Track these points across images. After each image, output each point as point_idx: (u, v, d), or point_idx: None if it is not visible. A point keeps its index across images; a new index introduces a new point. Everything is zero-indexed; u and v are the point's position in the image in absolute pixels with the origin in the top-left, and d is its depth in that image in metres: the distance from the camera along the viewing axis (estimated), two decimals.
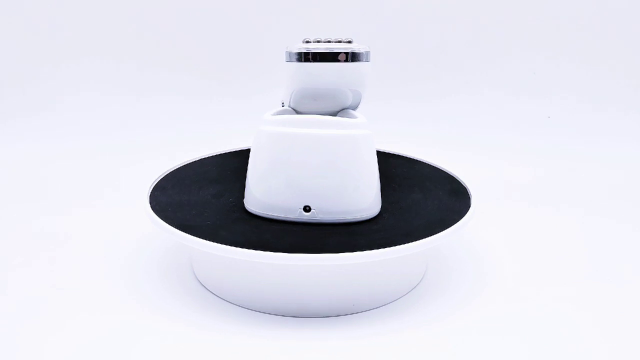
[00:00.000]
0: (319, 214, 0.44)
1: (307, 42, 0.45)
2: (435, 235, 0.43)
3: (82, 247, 0.54)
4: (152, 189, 0.50)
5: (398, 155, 0.59)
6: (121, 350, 0.40)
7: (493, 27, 0.92)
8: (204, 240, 0.41)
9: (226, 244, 0.40)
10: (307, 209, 0.44)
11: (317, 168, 0.43)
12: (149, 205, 0.46)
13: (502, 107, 0.89)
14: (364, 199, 0.44)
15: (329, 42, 0.45)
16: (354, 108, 0.49)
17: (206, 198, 0.49)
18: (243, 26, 0.91)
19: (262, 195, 0.45)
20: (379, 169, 0.46)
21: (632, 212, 0.64)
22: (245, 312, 0.44)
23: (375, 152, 0.45)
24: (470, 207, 0.47)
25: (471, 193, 0.50)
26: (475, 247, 0.55)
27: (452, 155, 0.58)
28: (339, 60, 0.44)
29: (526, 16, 0.91)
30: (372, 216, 0.45)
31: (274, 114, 0.46)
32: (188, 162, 0.56)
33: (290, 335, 0.42)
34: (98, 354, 0.40)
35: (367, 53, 0.45)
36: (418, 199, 0.49)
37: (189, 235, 0.42)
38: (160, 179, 0.52)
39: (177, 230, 0.42)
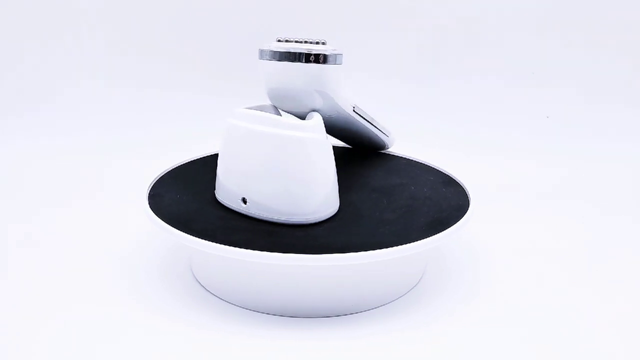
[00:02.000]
0: (251, 208, 0.45)
1: (279, 40, 0.46)
2: (435, 235, 0.43)
3: (79, 245, 0.54)
4: (151, 187, 0.50)
5: (394, 155, 0.59)
6: (121, 350, 0.40)
7: (492, 27, 0.92)
8: (203, 240, 0.41)
9: (225, 244, 0.40)
10: (244, 200, 0.45)
11: (251, 163, 0.44)
12: (148, 204, 0.46)
13: (500, 107, 0.89)
14: (294, 201, 0.43)
15: (298, 42, 0.45)
16: (329, 111, 0.47)
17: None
18: (246, 24, 0.91)
19: (218, 182, 0.47)
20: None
21: (632, 211, 0.64)
22: (245, 312, 0.44)
23: (323, 157, 0.44)
24: (469, 206, 0.48)
25: (469, 192, 0.50)
26: (474, 247, 0.55)
27: (452, 156, 0.58)
28: (300, 61, 0.44)
29: (526, 15, 0.91)
30: (307, 222, 0.44)
31: (247, 107, 0.46)
32: (189, 160, 0.56)
33: (289, 335, 0.42)
34: (97, 354, 0.40)
35: (335, 56, 0.44)
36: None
37: (188, 235, 0.42)
38: (160, 177, 0.52)
39: (176, 229, 0.42)
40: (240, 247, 0.40)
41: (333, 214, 0.46)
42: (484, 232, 0.57)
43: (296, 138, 0.43)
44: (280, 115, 0.48)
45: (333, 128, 0.52)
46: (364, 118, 0.52)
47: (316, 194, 0.44)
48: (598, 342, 0.42)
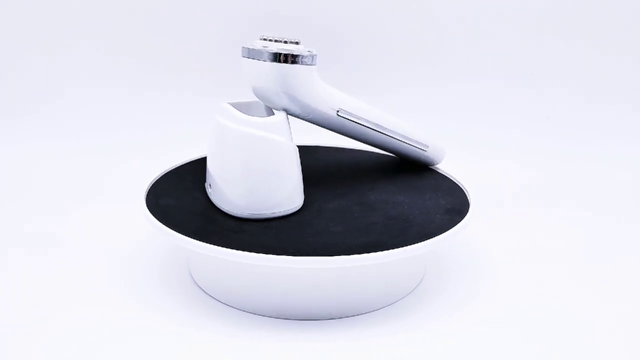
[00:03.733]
0: (213, 195, 0.47)
1: (262, 39, 0.46)
2: (435, 237, 0.42)
3: (78, 248, 0.54)
4: (149, 188, 0.50)
5: (393, 155, 0.59)
6: (121, 351, 0.40)
7: (492, 27, 0.92)
8: (201, 243, 0.41)
9: (224, 247, 0.40)
10: (210, 185, 0.48)
11: (213, 152, 0.47)
12: (146, 206, 0.46)
13: (500, 108, 0.89)
14: (228, 192, 0.45)
15: (277, 41, 0.46)
16: (302, 112, 0.47)
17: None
18: (246, 26, 0.91)
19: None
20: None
21: (632, 212, 0.64)
22: (244, 315, 0.44)
23: (264, 153, 0.44)
24: (469, 208, 0.47)
25: (469, 194, 0.50)
26: (474, 248, 0.55)
27: (452, 155, 0.58)
28: (265, 60, 0.44)
29: (525, 15, 0.91)
30: (242, 216, 0.45)
31: (232, 102, 0.47)
32: (187, 162, 0.56)
33: (288, 337, 0.42)
34: (96, 354, 0.40)
35: (303, 56, 0.44)
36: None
37: (187, 237, 0.42)
38: (159, 179, 0.52)
39: (175, 231, 0.42)
40: (238, 249, 0.40)
41: (277, 213, 0.45)
42: (483, 233, 0.57)
43: (237, 132, 0.44)
44: (272, 112, 0.48)
45: (339, 132, 0.51)
46: (363, 125, 0.50)
47: (249, 189, 0.44)
48: (598, 342, 0.42)
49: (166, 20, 0.92)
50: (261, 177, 0.44)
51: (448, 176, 0.54)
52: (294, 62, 0.44)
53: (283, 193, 0.45)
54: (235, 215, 0.45)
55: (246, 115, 0.45)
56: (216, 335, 0.42)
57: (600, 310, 0.46)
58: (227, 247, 0.40)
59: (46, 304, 0.45)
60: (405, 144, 0.53)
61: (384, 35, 0.92)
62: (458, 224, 0.45)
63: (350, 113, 0.49)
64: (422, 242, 0.42)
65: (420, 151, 0.54)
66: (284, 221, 0.45)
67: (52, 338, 0.41)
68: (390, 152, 0.56)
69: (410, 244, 0.41)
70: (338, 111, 0.48)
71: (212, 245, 0.41)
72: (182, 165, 0.55)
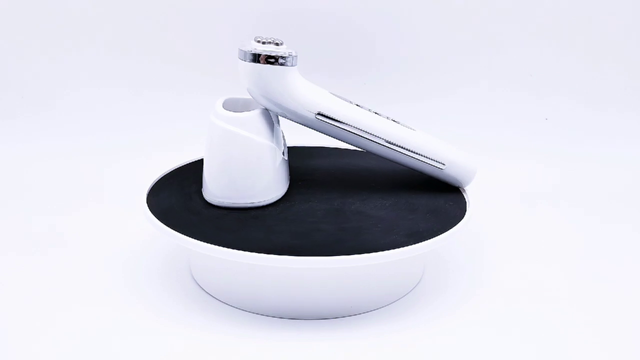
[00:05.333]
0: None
1: (256, 40, 0.47)
2: (435, 237, 0.43)
3: (79, 248, 0.54)
4: (151, 188, 0.50)
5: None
6: (121, 351, 0.40)
7: (491, 27, 0.92)
8: (202, 242, 0.41)
9: (224, 247, 0.41)
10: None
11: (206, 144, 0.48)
12: (147, 206, 0.47)
13: (498, 109, 0.89)
14: (208, 182, 0.47)
15: (263, 42, 0.46)
16: (281, 112, 0.48)
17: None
18: (248, 27, 0.91)
19: None
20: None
21: (631, 214, 0.64)
22: (244, 314, 0.44)
23: (229, 147, 0.46)
24: (467, 208, 0.48)
25: (467, 194, 0.50)
26: (472, 248, 0.56)
27: None
28: (243, 60, 0.46)
29: (524, 16, 0.91)
30: (219, 204, 0.47)
31: (229, 98, 0.49)
32: (188, 162, 0.56)
33: (288, 337, 0.42)
34: (97, 355, 0.40)
35: (278, 58, 0.45)
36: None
37: (187, 237, 0.42)
38: (160, 179, 0.52)
39: (175, 231, 0.43)
40: (239, 249, 0.40)
41: (247, 204, 0.46)
42: (482, 233, 0.57)
43: (213, 125, 0.46)
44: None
45: (330, 135, 0.50)
46: (346, 130, 0.48)
47: (221, 180, 0.46)
48: (598, 342, 0.43)
49: (168, 20, 0.92)
50: (228, 170, 0.46)
51: (464, 198, 0.51)
52: (270, 62, 0.45)
53: (252, 185, 0.46)
54: (215, 204, 0.47)
55: (225, 110, 0.46)
56: (216, 335, 0.42)
57: (601, 311, 0.46)
58: (227, 247, 0.41)
59: (47, 304, 0.46)
60: (408, 157, 0.50)
61: (382, 36, 0.92)
62: (458, 223, 0.45)
63: (331, 117, 0.48)
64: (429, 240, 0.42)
65: (432, 167, 0.50)
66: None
67: (52, 338, 0.42)
68: (397, 163, 0.51)
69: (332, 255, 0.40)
70: (317, 114, 0.47)
71: (212, 245, 0.41)
72: (184, 165, 0.55)
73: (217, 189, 0.47)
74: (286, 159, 0.50)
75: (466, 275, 0.51)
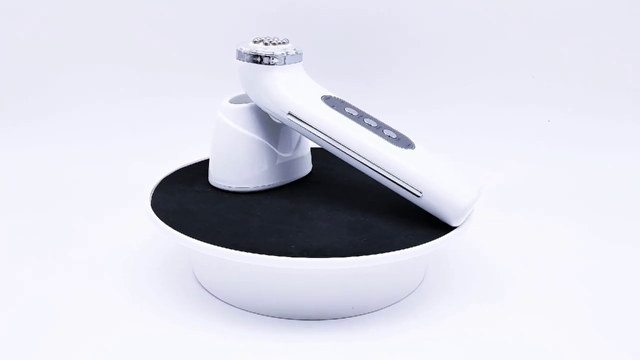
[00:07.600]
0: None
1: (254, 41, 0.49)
2: (438, 239, 0.43)
3: (82, 248, 0.54)
4: (154, 189, 0.50)
5: None
6: (122, 351, 0.40)
7: (491, 28, 0.92)
8: (205, 243, 0.41)
9: (227, 247, 0.41)
10: None
11: None
12: (150, 207, 0.47)
13: (500, 110, 0.89)
14: (212, 167, 0.51)
15: (255, 42, 0.48)
16: (265, 110, 0.48)
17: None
18: (250, 28, 0.91)
19: None
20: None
21: (631, 216, 0.64)
22: (246, 314, 0.44)
23: (223, 134, 0.49)
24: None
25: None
26: (475, 249, 0.55)
27: (452, 158, 0.58)
28: (236, 59, 0.48)
29: (524, 17, 0.91)
30: (217, 187, 0.50)
31: (237, 95, 0.52)
32: (192, 163, 0.56)
33: (290, 337, 0.42)
34: (98, 356, 0.40)
35: (258, 56, 0.46)
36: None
37: (190, 237, 0.42)
38: (163, 180, 0.52)
39: (178, 232, 0.43)
40: (241, 250, 0.40)
41: (241, 188, 0.49)
42: (484, 234, 0.57)
43: (217, 118, 0.50)
44: None
45: (313, 141, 0.48)
46: (314, 134, 0.46)
47: (218, 164, 0.50)
48: (598, 343, 0.42)
49: (167, 20, 0.92)
50: (217, 155, 0.50)
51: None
52: (255, 61, 0.47)
53: (230, 171, 0.49)
54: (213, 185, 0.51)
55: (227, 102, 0.50)
56: (218, 335, 0.42)
57: (601, 311, 0.46)
58: (230, 247, 0.41)
59: (48, 304, 0.46)
60: (379, 175, 0.45)
61: (381, 37, 0.92)
62: (461, 225, 0.45)
63: (299, 118, 0.46)
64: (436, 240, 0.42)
65: (406, 192, 0.44)
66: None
67: (53, 338, 0.42)
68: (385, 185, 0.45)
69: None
70: (287, 113, 0.46)
71: (215, 246, 0.41)
72: (187, 166, 0.55)
73: (212, 172, 0.51)
74: (289, 155, 0.51)
75: (469, 276, 0.51)
